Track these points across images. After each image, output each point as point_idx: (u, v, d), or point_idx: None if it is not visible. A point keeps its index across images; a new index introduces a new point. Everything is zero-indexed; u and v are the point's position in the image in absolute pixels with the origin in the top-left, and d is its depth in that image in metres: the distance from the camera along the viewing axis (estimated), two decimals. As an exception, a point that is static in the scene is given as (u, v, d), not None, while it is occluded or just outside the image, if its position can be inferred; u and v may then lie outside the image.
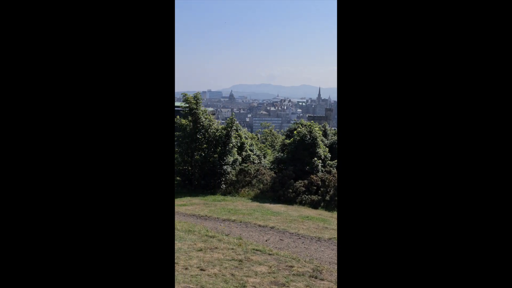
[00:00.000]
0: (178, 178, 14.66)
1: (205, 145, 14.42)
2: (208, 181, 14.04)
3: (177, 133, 14.92)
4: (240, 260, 4.98)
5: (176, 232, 6.68)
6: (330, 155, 14.49)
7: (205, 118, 14.70)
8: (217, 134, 14.42)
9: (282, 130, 30.99)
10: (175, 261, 4.83)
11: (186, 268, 4.54)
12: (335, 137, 16.32)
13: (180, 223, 7.76)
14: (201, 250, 5.44)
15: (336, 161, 14.12)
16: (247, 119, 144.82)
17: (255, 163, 15.82)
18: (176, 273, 4.38)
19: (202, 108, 15.07)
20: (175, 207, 10.46)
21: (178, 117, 14.76)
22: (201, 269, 4.52)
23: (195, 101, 14.71)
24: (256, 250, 5.61)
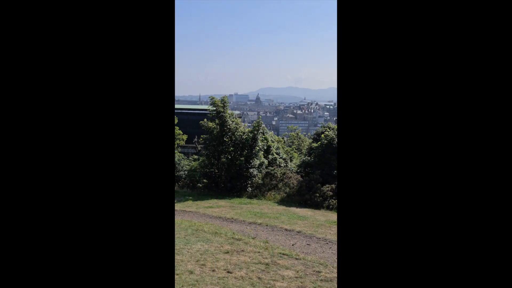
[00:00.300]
0: (204, 180, 14.83)
1: (231, 148, 14.52)
2: (234, 183, 14.11)
3: (204, 136, 15.11)
4: (267, 264, 4.95)
5: (203, 234, 6.74)
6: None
7: (232, 121, 14.81)
8: (244, 137, 14.48)
9: (309, 134, 30.75)
10: (202, 262, 4.87)
11: (213, 270, 4.56)
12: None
13: (207, 225, 7.83)
14: (227, 252, 5.46)
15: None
16: (274, 122, 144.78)
17: (282, 166, 15.76)
18: (203, 274, 4.41)
19: (229, 112, 15.19)
20: (202, 209, 10.58)
21: (205, 120, 14.96)
22: (228, 272, 4.53)
23: (222, 104, 14.85)
24: (283, 254, 5.56)
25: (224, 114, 14.71)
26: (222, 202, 12.14)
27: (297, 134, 28.13)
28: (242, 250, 5.63)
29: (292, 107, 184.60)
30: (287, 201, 12.63)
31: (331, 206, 11.83)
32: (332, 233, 7.83)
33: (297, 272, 4.71)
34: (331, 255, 6.11)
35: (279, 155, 16.84)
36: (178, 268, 4.57)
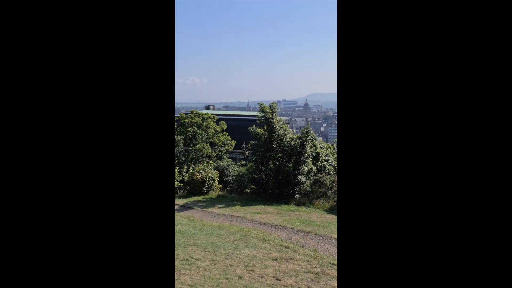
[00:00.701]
0: (252, 186, 14.92)
1: (279, 154, 14.49)
2: (282, 190, 14.04)
3: (252, 142, 15.24)
4: (317, 273, 4.83)
5: (252, 240, 6.76)
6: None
7: (280, 127, 14.79)
8: (292, 143, 14.39)
9: (358, 141, 29.78)
10: (251, 268, 4.87)
11: (262, 277, 4.54)
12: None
13: (255, 231, 7.85)
14: (276, 259, 5.42)
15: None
16: (322, 129, 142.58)
17: (331, 174, 15.41)
18: (252, 280, 4.40)
19: (277, 118, 15.19)
20: (249, 215, 10.64)
21: (253, 126, 15.10)
22: (277, 279, 4.49)
23: (270, 111, 14.91)
24: (333, 264, 5.40)
25: (272, 120, 14.74)
26: (269, 209, 12.12)
27: (347, 141, 27.37)
28: (291, 258, 5.55)
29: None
30: (336, 210, 12.30)
31: (383, 217, 11.32)
32: (384, 245, 7.47)
33: (348, 284, 4.55)
34: (384, 268, 5.83)
35: (328, 162, 16.49)
36: (228, 273, 4.61)
